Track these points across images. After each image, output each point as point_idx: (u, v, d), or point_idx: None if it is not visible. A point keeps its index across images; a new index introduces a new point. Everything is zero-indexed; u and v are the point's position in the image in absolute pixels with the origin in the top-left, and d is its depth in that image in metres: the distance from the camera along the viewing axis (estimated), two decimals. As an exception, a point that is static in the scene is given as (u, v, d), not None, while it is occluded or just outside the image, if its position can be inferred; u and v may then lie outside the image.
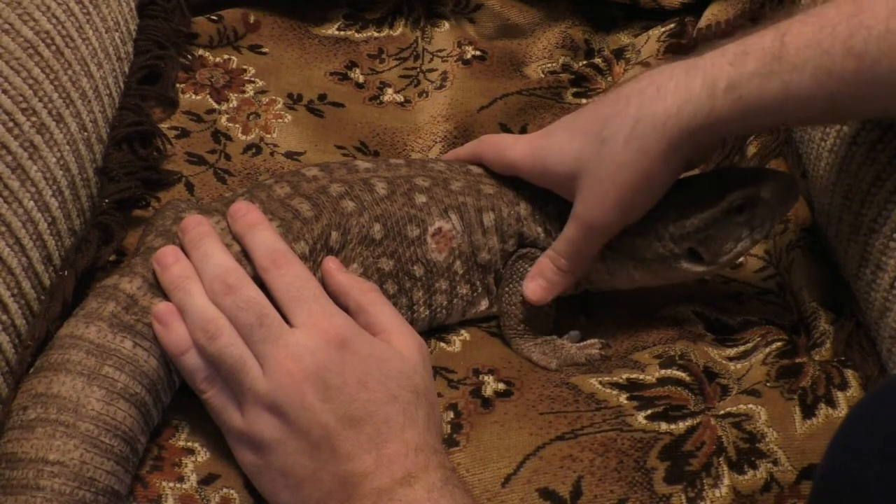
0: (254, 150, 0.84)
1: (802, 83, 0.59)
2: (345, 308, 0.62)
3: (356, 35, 0.99)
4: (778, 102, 0.60)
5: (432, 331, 0.72)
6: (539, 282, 0.69)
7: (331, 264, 0.65)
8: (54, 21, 0.73)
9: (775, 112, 0.61)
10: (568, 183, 0.67)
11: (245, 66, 0.92)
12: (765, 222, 0.68)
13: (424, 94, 0.94)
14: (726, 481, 0.61)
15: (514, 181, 0.72)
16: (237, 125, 0.86)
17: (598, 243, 0.68)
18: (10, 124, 0.66)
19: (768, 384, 0.66)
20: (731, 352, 0.71)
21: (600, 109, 0.67)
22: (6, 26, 0.68)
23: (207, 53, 0.92)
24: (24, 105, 0.68)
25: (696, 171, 0.74)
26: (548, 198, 0.71)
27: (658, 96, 0.63)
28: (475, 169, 0.73)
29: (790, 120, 0.65)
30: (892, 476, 0.45)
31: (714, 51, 0.63)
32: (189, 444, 0.61)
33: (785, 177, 0.68)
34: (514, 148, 0.71)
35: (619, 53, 0.99)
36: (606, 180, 0.65)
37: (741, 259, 0.76)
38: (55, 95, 0.71)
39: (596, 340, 0.71)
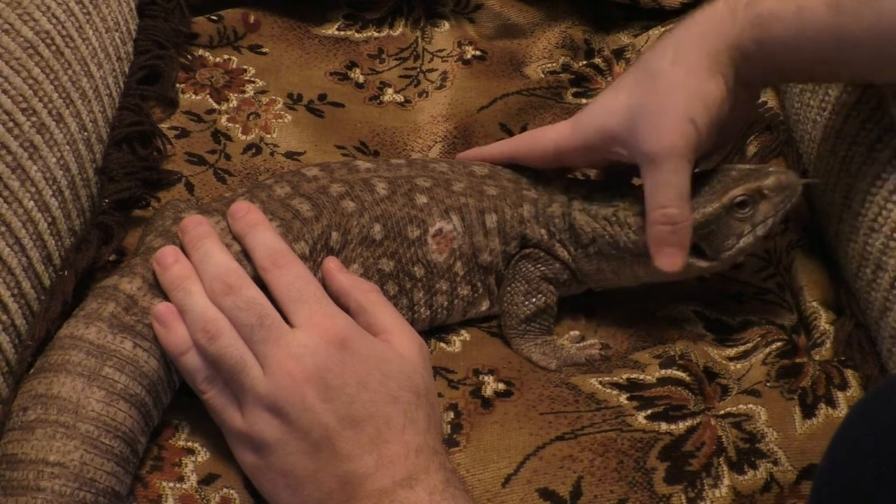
0: (254, 150, 0.84)
1: (815, 12, 0.60)
2: (345, 308, 0.62)
3: (356, 35, 0.99)
4: (792, 29, 0.62)
5: (432, 331, 0.72)
6: (666, 251, 0.67)
7: (331, 264, 0.65)
8: (54, 21, 0.73)
9: (790, 41, 0.62)
10: (624, 134, 0.67)
11: (245, 66, 0.92)
12: (767, 219, 0.68)
13: (424, 94, 0.94)
14: (726, 481, 0.61)
15: (517, 184, 0.72)
16: (237, 125, 0.86)
17: (686, 172, 0.66)
18: (10, 124, 0.66)
19: (768, 384, 0.66)
20: (731, 352, 0.71)
21: (639, 61, 0.69)
22: (6, 26, 0.68)
23: (207, 53, 0.92)
24: (24, 105, 0.68)
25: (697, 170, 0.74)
26: (551, 199, 0.72)
27: (692, 21, 0.66)
28: (478, 170, 0.73)
29: (805, 59, 0.64)
30: (892, 475, 0.45)
31: None
32: (189, 444, 0.61)
33: (787, 174, 0.69)
34: (552, 129, 0.72)
35: (619, 53, 0.99)
36: (666, 106, 0.65)
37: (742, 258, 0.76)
38: (55, 95, 0.71)
39: (596, 341, 0.72)
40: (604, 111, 0.69)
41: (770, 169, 0.69)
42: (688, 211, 0.66)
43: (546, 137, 0.72)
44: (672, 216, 0.66)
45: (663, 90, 0.65)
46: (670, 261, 0.67)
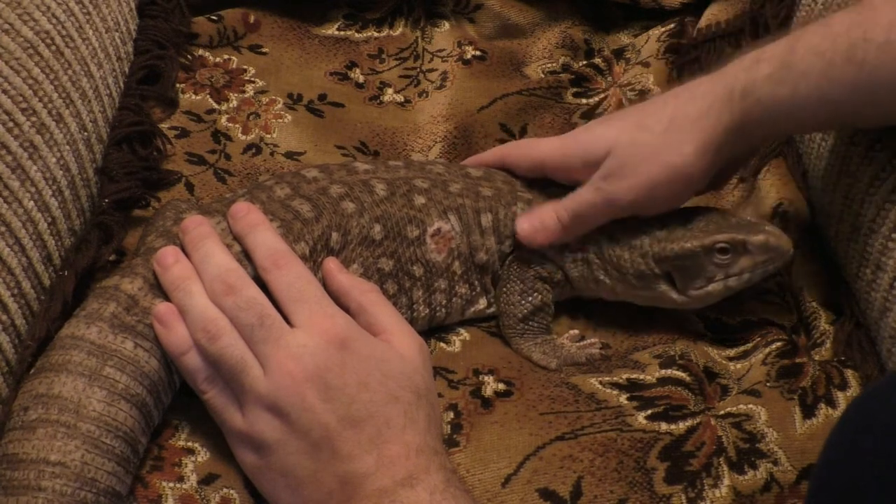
0: (254, 150, 0.84)
1: (808, 89, 0.61)
2: (345, 308, 0.62)
3: (356, 35, 0.99)
4: (788, 108, 0.63)
5: (432, 331, 0.72)
6: (533, 221, 0.70)
7: (331, 265, 0.65)
8: (54, 21, 0.73)
9: (787, 118, 0.64)
10: (598, 163, 0.69)
11: (245, 66, 0.92)
12: (743, 274, 0.69)
13: (424, 94, 0.94)
14: (726, 481, 0.61)
15: (511, 186, 0.73)
16: (237, 125, 0.86)
17: (604, 218, 0.69)
18: (10, 124, 0.66)
19: (768, 384, 0.66)
20: (731, 352, 0.71)
21: (637, 108, 0.70)
22: (6, 26, 0.68)
23: (207, 53, 0.92)
24: (24, 105, 0.68)
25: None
26: (547, 203, 0.72)
27: (691, 99, 0.67)
28: (475, 172, 0.74)
29: (803, 126, 0.68)
30: (889, 472, 0.45)
31: (737, 60, 0.66)
32: (189, 444, 0.61)
33: (779, 237, 0.69)
34: (543, 143, 0.74)
35: (619, 53, 0.99)
36: (638, 162, 0.67)
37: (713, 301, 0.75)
38: (55, 95, 0.71)
39: (596, 340, 0.72)
40: (591, 141, 0.70)
41: (766, 227, 0.69)
42: (571, 230, 0.70)
43: (537, 150, 0.74)
44: (561, 216, 0.69)
45: (644, 148, 0.67)
46: (524, 227, 0.70)
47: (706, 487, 0.61)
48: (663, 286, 0.70)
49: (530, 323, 0.71)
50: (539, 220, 0.70)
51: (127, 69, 0.84)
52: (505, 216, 0.71)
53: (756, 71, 0.64)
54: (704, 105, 0.66)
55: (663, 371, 0.68)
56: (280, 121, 0.87)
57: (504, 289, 0.71)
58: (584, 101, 0.95)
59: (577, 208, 0.69)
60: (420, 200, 0.70)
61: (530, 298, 0.71)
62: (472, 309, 0.72)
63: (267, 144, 0.85)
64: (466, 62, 0.96)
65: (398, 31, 1.00)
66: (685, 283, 0.70)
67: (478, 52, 0.98)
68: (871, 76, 0.59)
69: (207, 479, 0.60)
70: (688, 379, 0.67)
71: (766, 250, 0.68)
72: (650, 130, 0.67)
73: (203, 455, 0.61)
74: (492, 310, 0.73)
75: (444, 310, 0.71)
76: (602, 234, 0.71)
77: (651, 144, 0.67)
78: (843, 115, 0.63)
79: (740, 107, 0.64)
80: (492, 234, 0.71)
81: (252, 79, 0.91)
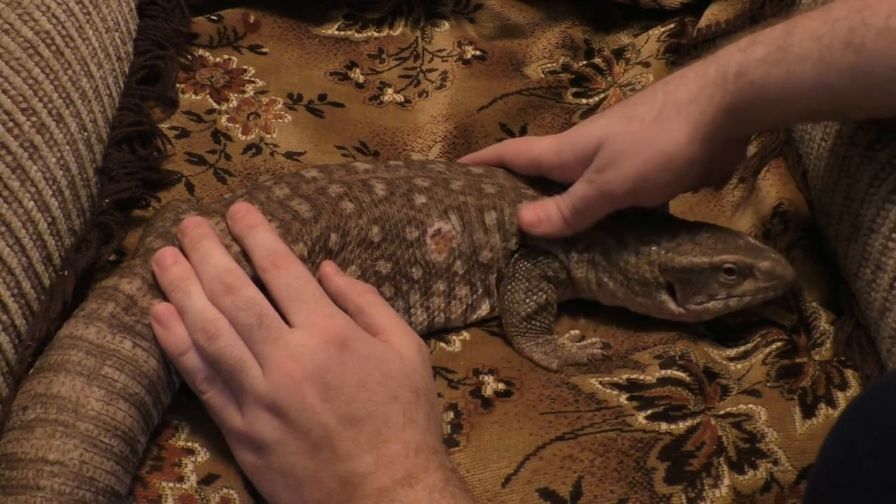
0: (254, 151, 0.84)
1: (805, 73, 0.61)
2: (343, 310, 0.62)
3: (356, 35, 0.99)
4: (783, 91, 0.62)
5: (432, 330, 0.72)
6: (538, 211, 0.71)
7: (328, 268, 0.65)
8: (54, 21, 0.73)
9: (781, 103, 0.63)
10: (590, 158, 0.69)
11: (245, 66, 0.92)
12: (745, 295, 0.69)
13: (424, 94, 0.94)
14: (726, 481, 0.61)
15: (514, 183, 0.73)
16: (237, 125, 0.86)
17: (602, 211, 0.69)
18: (10, 124, 0.66)
19: (768, 384, 0.66)
20: (731, 352, 0.71)
21: (628, 100, 0.70)
22: (6, 26, 0.69)
23: (207, 53, 0.92)
24: (24, 105, 0.68)
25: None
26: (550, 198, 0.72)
27: (681, 84, 0.66)
28: (476, 169, 0.74)
29: (799, 113, 0.67)
30: (888, 472, 0.45)
31: (730, 44, 0.66)
32: (189, 444, 0.61)
33: (785, 267, 0.69)
34: (539, 141, 0.74)
35: (619, 53, 0.99)
36: (629, 152, 0.67)
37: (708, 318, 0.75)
38: (55, 95, 0.71)
39: (597, 339, 0.72)
40: (582, 137, 0.70)
41: (773, 255, 0.69)
42: (572, 226, 0.70)
43: (533, 149, 0.74)
44: (563, 212, 0.70)
45: (635, 138, 0.67)
46: (528, 215, 0.71)
47: (706, 487, 0.61)
48: (664, 296, 0.70)
49: (533, 322, 0.71)
50: (543, 211, 0.70)
51: (127, 69, 0.84)
52: (510, 214, 0.71)
53: (751, 52, 0.63)
54: (695, 88, 0.66)
55: (663, 371, 0.68)
56: (280, 121, 0.87)
57: (509, 286, 0.71)
58: (584, 101, 0.95)
59: (575, 203, 0.69)
60: (420, 200, 0.70)
61: (535, 297, 0.71)
62: (475, 315, 0.72)
63: (267, 144, 0.85)
64: (466, 62, 0.96)
65: (398, 31, 1.00)
66: (686, 296, 0.70)
67: (478, 52, 0.98)
68: (869, 62, 0.58)
69: (207, 480, 0.60)
70: (688, 379, 0.67)
71: (771, 277, 0.68)
72: (641, 119, 0.67)
73: (203, 455, 0.61)
74: (495, 313, 0.73)
75: (442, 314, 0.71)
76: (611, 237, 0.71)
77: (642, 133, 0.67)
78: (840, 101, 0.62)
79: (734, 87, 0.64)
80: (496, 231, 0.71)
81: (252, 79, 0.91)
